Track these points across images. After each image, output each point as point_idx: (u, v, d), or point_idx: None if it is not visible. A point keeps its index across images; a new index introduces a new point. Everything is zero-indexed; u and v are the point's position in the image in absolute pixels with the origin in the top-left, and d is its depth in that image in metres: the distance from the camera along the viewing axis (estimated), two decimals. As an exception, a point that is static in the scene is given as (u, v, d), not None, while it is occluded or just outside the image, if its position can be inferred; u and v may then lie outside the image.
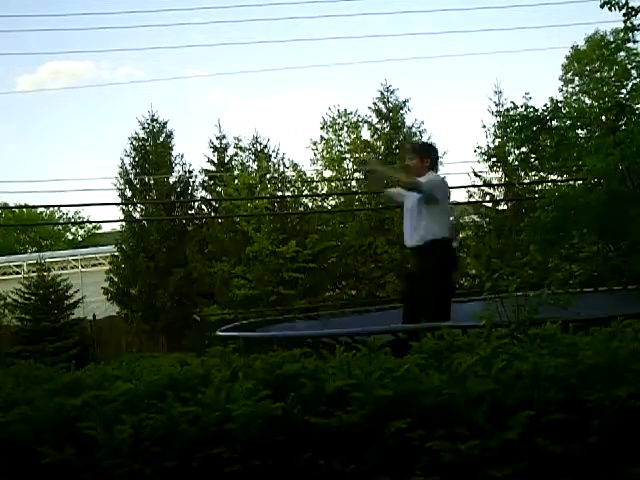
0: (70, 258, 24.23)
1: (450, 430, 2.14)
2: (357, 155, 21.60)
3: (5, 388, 2.58)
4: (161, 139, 21.33)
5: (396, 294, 17.68)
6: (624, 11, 8.03)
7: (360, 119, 22.15)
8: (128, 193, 21.07)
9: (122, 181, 20.89)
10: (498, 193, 20.00)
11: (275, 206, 19.89)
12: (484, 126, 19.35)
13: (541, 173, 13.71)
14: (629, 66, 17.17)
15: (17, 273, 22.94)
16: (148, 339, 19.68)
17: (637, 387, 2.23)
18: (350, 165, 22.35)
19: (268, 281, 17.82)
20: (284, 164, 20.94)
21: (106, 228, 32.60)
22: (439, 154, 5.48)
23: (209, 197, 21.85)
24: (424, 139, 19.67)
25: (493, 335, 3.10)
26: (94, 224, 36.00)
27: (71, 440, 2.20)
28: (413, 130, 20.55)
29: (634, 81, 10.94)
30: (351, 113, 22.83)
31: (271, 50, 51.03)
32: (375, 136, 20.94)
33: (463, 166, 44.11)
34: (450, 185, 6.36)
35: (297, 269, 18.03)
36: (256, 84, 45.92)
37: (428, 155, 5.57)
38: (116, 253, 20.98)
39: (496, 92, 19.91)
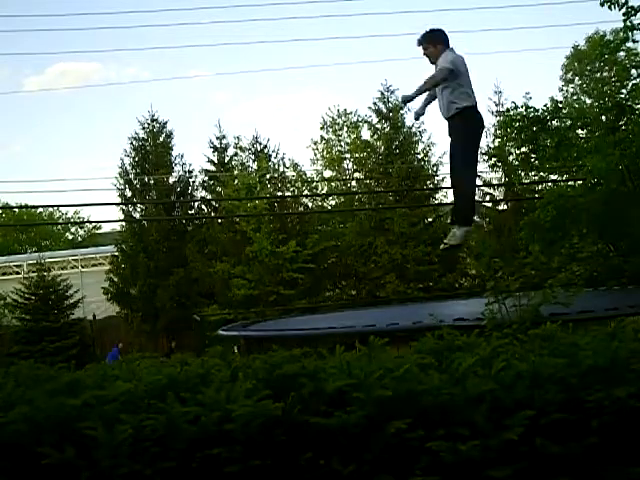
0: (70, 258, 24.19)
1: (450, 430, 2.14)
2: (357, 155, 21.59)
3: (5, 388, 2.58)
4: (161, 139, 21.33)
5: (396, 294, 17.70)
6: (624, 10, 8.03)
7: (360, 119, 22.17)
8: (128, 193, 21.07)
9: (122, 181, 20.90)
10: (498, 193, 20.00)
11: (275, 206, 19.88)
12: (484, 126, 19.35)
13: (541, 173, 13.70)
14: (629, 66, 17.13)
15: (17, 273, 22.91)
16: (148, 339, 19.66)
17: (637, 387, 2.23)
18: (350, 165, 22.35)
19: (268, 281, 17.82)
20: (284, 164, 20.97)
21: (106, 228, 32.59)
22: (446, 32, 5.88)
23: (209, 197, 21.84)
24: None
25: (494, 335, 3.09)
26: (94, 224, 35.95)
27: (71, 440, 2.20)
28: (413, 130, 20.57)
29: (634, 81, 10.92)
30: (351, 113, 22.85)
31: (271, 50, 51.00)
32: (375, 136, 20.93)
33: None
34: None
35: (297, 269, 18.02)
36: (256, 84, 45.82)
37: (439, 39, 5.84)
38: (116, 253, 20.97)
39: (496, 92, 19.98)
